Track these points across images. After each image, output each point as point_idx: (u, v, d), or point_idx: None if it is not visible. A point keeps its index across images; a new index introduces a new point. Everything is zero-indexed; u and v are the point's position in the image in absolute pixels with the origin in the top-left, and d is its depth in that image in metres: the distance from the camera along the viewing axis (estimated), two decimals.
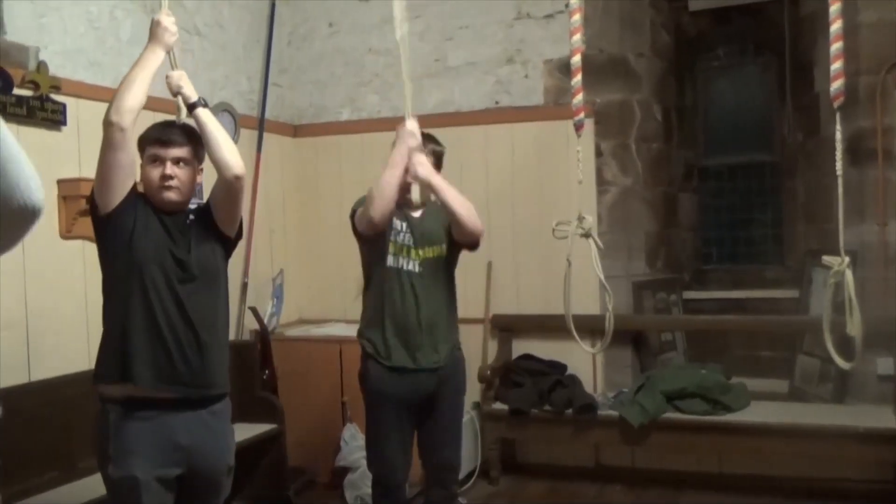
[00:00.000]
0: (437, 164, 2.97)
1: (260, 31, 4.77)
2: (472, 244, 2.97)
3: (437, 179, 2.84)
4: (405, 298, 2.88)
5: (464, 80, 4.77)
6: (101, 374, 2.31)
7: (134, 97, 2.20)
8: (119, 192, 2.25)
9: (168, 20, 2.30)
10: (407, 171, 2.79)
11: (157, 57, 2.28)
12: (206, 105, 2.37)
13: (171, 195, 2.30)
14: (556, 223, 2.52)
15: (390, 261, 2.89)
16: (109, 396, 2.27)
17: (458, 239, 2.95)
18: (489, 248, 4.69)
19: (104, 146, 2.22)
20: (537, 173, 4.64)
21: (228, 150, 2.33)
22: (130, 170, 2.29)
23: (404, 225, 2.92)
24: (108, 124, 2.18)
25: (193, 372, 2.27)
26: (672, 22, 5.08)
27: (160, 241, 2.28)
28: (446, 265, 3.00)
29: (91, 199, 2.30)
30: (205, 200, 2.46)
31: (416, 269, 2.90)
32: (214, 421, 2.36)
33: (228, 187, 2.35)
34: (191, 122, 2.36)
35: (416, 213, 2.95)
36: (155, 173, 2.30)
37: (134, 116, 2.20)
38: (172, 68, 2.39)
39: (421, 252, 2.92)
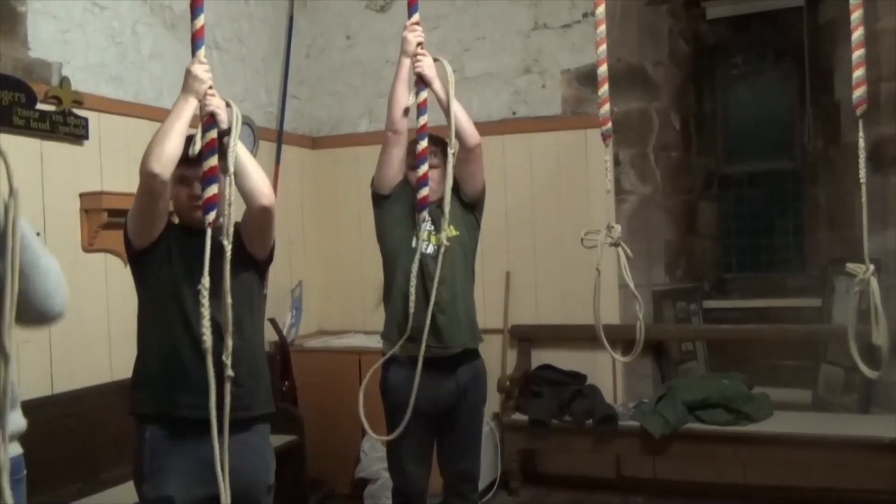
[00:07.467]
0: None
1: (278, 44, 4.81)
2: (471, 158, 2.97)
3: (438, 81, 2.88)
4: (421, 277, 2.88)
5: (481, 91, 4.78)
6: (135, 402, 2.30)
7: (174, 148, 2.15)
8: (154, 235, 2.25)
9: (199, 69, 2.17)
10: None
11: (189, 106, 2.19)
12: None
13: (201, 214, 2.21)
14: (585, 232, 2.49)
15: (413, 242, 2.92)
16: (145, 415, 2.27)
17: (462, 154, 2.94)
18: (507, 258, 4.71)
19: (143, 193, 2.18)
20: (555, 183, 4.63)
21: (259, 179, 2.25)
22: (166, 214, 2.27)
23: (424, 214, 2.95)
24: (150, 175, 2.12)
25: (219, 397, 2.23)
26: (690, 30, 5.06)
27: (190, 268, 2.21)
28: (461, 248, 3.01)
29: (125, 234, 2.28)
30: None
31: (432, 252, 2.92)
32: (255, 439, 2.33)
33: (257, 218, 2.28)
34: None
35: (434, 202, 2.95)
36: (183, 193, 2.28)
37: (174, 167, 2.16)
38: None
39: (439, 237, 2.94)
